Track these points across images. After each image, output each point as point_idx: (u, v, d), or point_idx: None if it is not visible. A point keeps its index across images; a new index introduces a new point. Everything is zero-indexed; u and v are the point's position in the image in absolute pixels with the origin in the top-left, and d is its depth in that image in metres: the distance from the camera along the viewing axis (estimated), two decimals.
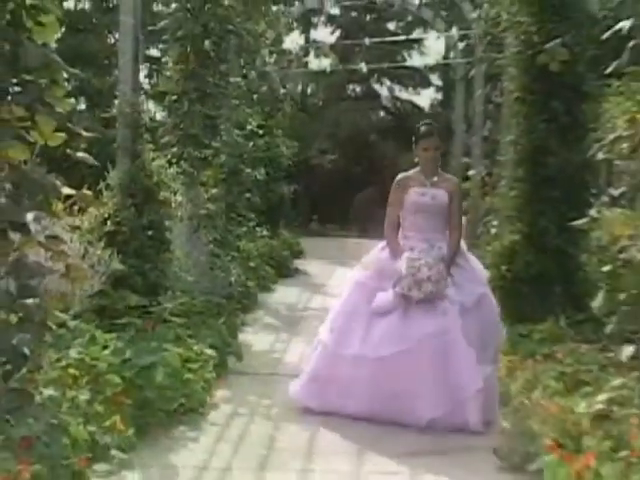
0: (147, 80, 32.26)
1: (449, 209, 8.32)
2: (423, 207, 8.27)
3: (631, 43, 6.63)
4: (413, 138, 8.51)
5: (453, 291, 7.93)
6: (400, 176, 8.55)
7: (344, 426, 7.71)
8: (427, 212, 8.27)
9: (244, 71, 17.49)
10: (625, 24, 6.66)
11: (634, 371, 6.86)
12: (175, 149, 13.36)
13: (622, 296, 6.92)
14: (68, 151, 6.21)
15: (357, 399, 7.88)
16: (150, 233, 10.41)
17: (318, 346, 8.43)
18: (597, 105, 11.72)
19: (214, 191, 14.62)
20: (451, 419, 7.62)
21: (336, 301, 8.85)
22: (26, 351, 6.01)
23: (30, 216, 6.04)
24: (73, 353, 7.58)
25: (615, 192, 7.90)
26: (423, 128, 8.48)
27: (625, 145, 6.87)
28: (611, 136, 7.21)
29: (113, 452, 6.67)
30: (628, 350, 6.93)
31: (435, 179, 8.36)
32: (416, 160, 8.47)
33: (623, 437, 5.86)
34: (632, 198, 7.45)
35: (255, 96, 19.13)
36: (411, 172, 8.53)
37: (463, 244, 8.56)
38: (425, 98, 53.98)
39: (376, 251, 8.61)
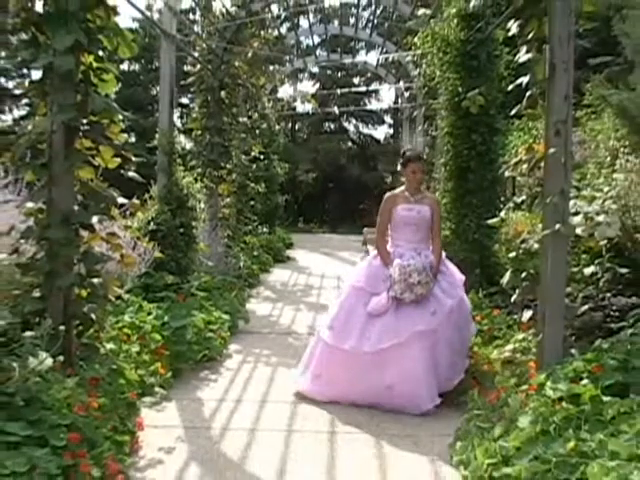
0: (179, 120, 32.20)
1: (431, 221, 7.48)
2: (411, 220, 7.39)
3: (528, 93, 6.66)
4: (400, 161, 7.58)
5: (441, 294, 7.06)
6: (388, 194, 7.61)
7: None
8: (414, 225, 7.39)
9: (249, 113, 17.48)
10: (523, 80, 6.69)
11: (531, 329, 6.91)
12: (199, 169, 13.42)
13: (523, 275, 6.97)
14: (122, 171, 6.25)
15: (357, 390, 6.81)
16: (181, 231, 10.43)
17: (319, 343, 7.23)
18: (504, 137, 11.80)
19: (227, 200, 14.66)
20: (436, 406, 6.64)
21: (335, 302, 7.54)
22: (93, 316, 6.06)
23: (95, 219, 6.07)
24: (126, 318, 7.63)
25: (518, 200, 7.93)
26: (412, 153, 7.59)
27: (524, 166, 6.91)
28: (514, 160, 7.24)
29: (156, 389, 6.77)
30: (527, 313, 6.98)
31: (419, 196, 7.47)
32: (402, 180, 7.70)
33: (524, 376, 5.92)
34: (530, 204, 7.49)
35: (257, 131, 19.10)
36: (397, 190, 7.63)
37: (442, 252, 7.61)
38: (381, 132, 54.16)
39: (369, 258, 7.64)
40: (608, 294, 7.35)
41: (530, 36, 6.58)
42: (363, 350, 6.79)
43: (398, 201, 7.48)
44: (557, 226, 5.86)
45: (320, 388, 7.01)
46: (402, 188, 7.60)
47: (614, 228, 7.38)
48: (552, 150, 5.94)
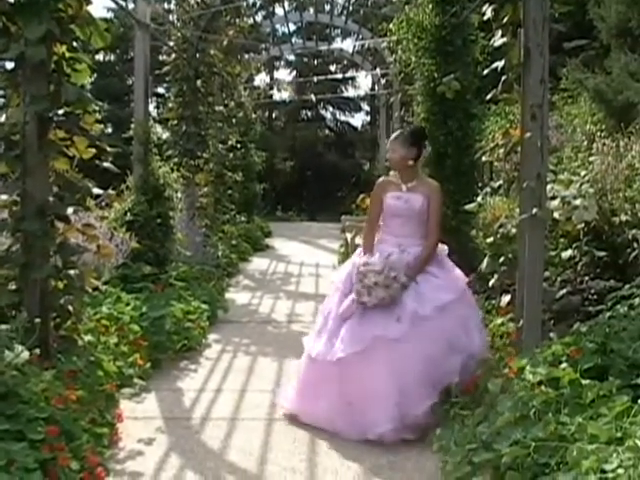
0: (155, 110, 32.06)
1: (426, 214, 6.32)
2: (397, 211, 6.30)
3: (503, 78, 6.67)
4: None
5: (411, 299, 5.91)
6: (380, 179, 6.64)
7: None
8: (401, 216, 6.30)
9: (225, 102, 17.41)
10: (499, 64, 6.69)
11: (510, 313, 6.93)
12: (176, 159, 13.33)
13: (501, 259, 6.99)
14: (98, 162, 6.21)
15: (325, 404, 5.85)
16: (159, 221, 10.37)
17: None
18: (481, 122, 11.81)
19: (205, 189, 14.59)
20: (399, 434, 5.56)
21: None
22: (70, 308, 6.02)
23: (71, 210, 6.03)
24: (104, 309, 7.58)
25: (495, 185, 7.96)
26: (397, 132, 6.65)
27: (501, 151, 6.92)
28: (491, 145, 7.25)
29: (135, 380, 6.72)
30: (506, 298, 7.01)
31: (412, 184, 6.34)
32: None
33: (503, 360, 5.92)
34: (507, 189, 7.52)
35: (234, 120, 19.02)
36: (391, 176, 6.61)
37: (443, 249, 6.48)
38: (358, 119, 54.27)
39: (353, 256, 6.62)
40: (586, 277, 7.38)
41: (505, 20, 6.58)
42: (326, 360, 5.90)
43: (389, 188, 6.44)
44: (534, 210, 5.86)
45: (295, 403, 6.18)
46: (396, 173, 6.58)
47: (591, 211, 7.41)
48: (528, 134, 5.94)
